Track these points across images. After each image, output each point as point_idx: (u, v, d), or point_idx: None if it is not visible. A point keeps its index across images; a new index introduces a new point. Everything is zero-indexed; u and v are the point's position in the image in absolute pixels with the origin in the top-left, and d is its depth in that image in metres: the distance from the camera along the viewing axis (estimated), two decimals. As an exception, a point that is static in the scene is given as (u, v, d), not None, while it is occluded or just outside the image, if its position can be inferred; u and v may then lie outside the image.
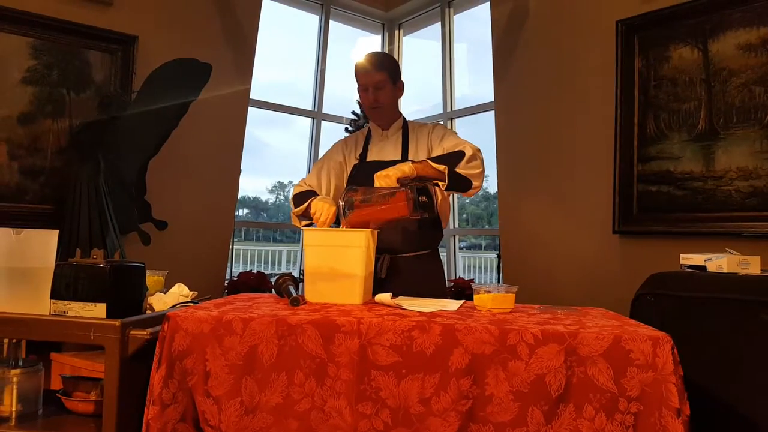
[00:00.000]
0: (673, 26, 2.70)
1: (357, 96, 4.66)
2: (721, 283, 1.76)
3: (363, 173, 1.99)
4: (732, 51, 2.50)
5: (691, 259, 1.95)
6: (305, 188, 2.07)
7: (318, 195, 2.00)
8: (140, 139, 3.03)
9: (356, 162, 2.11)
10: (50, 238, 1.38)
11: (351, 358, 1.20)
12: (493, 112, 3.79)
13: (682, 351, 1.15)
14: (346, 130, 4.47)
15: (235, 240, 4.11)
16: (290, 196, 2.08)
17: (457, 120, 4.60)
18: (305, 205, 1.95)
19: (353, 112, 4.46)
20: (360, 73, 2.05)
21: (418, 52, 5.05)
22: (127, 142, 3.00)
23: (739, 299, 1.65)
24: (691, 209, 2.61)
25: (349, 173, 2.10)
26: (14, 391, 1.37)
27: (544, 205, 3.35)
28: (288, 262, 6.27)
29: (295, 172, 5.15)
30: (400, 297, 1.63)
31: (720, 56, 2.54)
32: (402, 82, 2.12)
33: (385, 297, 1.51)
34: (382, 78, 2.02)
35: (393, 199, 1.62)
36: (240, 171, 3.93)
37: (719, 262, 1.85)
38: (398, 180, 1.68)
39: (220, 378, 1.23)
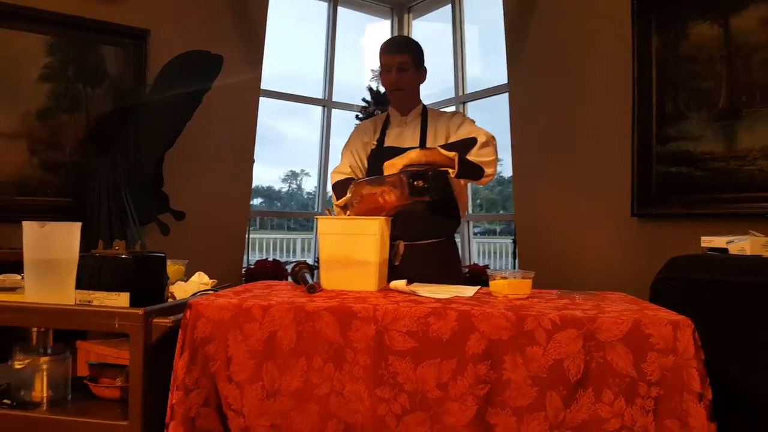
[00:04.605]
0: (692, 2, 2.64)
1: (367, 83, 4.61)
2: (744, 265, 1.73)
3: (379, 158, 1.98)
4: (754, 26, 2.43)
5: (712, 241, 1.93)
6: (344, 176, 2.05)
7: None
8: (156, 131, 3.06)
9: (374, 147, 2.10)
10: (73, 230, 1.40)
11: (368, 344, 1.21)
12: (506, 94, 3.76)
13: (703, 335, 1.14)
14: (357, 117, 4.46)
15: (250, 229, 4.15)
16: (330, 186, 2.06)
17: (469, 104, 4.57)
18: (346, 198, 1.93)
19: (364, 99, 4.45)
20: (384, 53, 2.05)
21: (428, 35, 5.01)
22: (143, 135, 3.03)
23: (763, 282, 1.62)
24: (712, 190, 2.57)
25: (367, 157, 2.09)
26: (45, 378, 1.40)
27: (560, 189, 3.32)
28: (303, 249, 6.30)
29: (308, 161, 5.16)
30: (415, 284, 1.63)
31: (741, 32, 2.48)
32: (425, 69, 2.11)
33: (400, 284, 1.52)
34: (405, 60, 2.02)
35: (388, 185, 1.62)
36: (253, 161, 3.95)
37: (742, 244, 1.83)
38: (404, 167, 1.66)
39: (241, 363, 1.25)
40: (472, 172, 1.77)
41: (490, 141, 1.82)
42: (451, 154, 1.70)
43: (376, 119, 2.20)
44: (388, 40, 2.09)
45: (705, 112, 2.60)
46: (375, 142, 2.10)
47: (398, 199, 1.61)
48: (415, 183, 1.58)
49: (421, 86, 2.13)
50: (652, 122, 2.79)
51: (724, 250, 1.87)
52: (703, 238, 1.97)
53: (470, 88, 4.56)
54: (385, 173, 1.68)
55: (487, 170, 1.78)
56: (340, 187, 1.98)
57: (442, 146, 1.76)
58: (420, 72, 2.09)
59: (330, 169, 4.86)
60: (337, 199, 1.95)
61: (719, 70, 2.55)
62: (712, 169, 2.57)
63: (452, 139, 1.96)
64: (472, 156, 1.75)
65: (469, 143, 1.78)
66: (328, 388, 1.22)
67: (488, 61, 4.68)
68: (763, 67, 2.41)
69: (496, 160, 1.83)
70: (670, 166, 2.73)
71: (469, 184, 2.21)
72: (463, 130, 1.95)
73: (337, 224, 1.62)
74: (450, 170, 1.72)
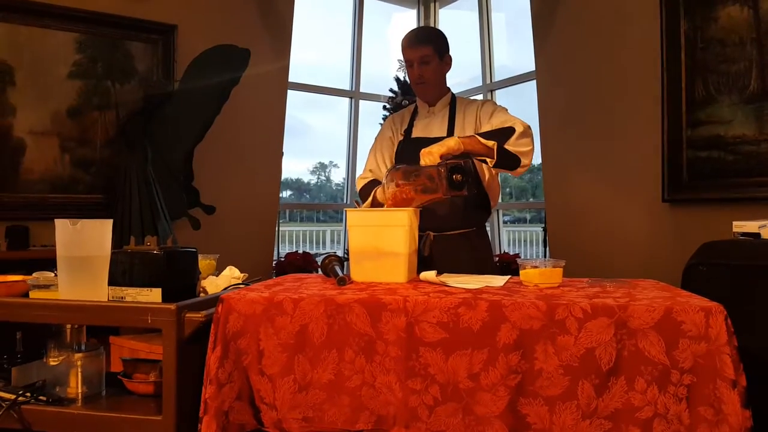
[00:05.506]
0: (721, -16, 2.57)
1: (394, 73, 4.59)
2: (777, 250, 1.69)
3: (408, 150, 1.97)
4: (787, 6, 2.37)
5: (744, 226, 1.89)
6: (368, 179, 2.08)
7: (380, 182, 2.00)
8: (185, 126, 3.10)
9: (401, 138, 2.10)
10: (105, 227, 1.42)
11: (399, 336, 1.22)
12: (534, 81, 3.71)
13: (736, 321, 1.12)
14: (385, 108, 4.45)
15: (279, 221, 4.19)
16: (357, 190, 2.10)
17: (497, 92, 4.53)
18: (370, 198, 1.95)
19: (391, 90, 4.44)
20: (405, 48, 2.03)
21: (454, 24, 4.97)
22: (173, 131, 3.07)
23: (798, 267, 1.58)
24: (743, 174, 2.51)
25: (395, 150, 2.10)
26: (79, 374, 1.42)
27: (590, 175, 3.28)
28: (332, 241, 6.34)
29: (336, 153, 5.18)
30: (444, 274, 1.63)
31: (773, 12, 2.41)
32: (449, 57, 2.07)
33: (430, 275, 1.52)
34: (427, 52, 1.99)
35: (425, 178, 1.58)
36: (282, 153, 3.98)
37: (775, 228, 1.78)
38: (442, 156, 1.63)
39: (273, 357, 1.26)
40: (509, 162, 1.74)
41: (527, 131, 1.78)
42: (490, 143, 1.68)
43: (404, 111, 2.19)
44: (408, 34, 2.06)
45: (735, 96, 2.53)
46: (402, 134, 2.10)
47: (434, 193, 1.57)
48: (454, 177, 1.53)
49: (448, 75, 2.10)
50: (682, 106, 2.73)
51: (757, 235, 1.83)
52: (735, 223, 1.93)
53: (498, 76, 4.52)
54: (422, 161, 1.65)
55: (524, 160, 1.75)
56: (365, 192, 2.02)
57: (479, 134, 1.74)
58: (444, 61, 2.05)
59: (359, 160, 4.88)
60: (363, 203, 1.97)
61: (749, 52, 2.48)
62: (743, 153, 2.51)
63: (484, 128, 1.93)
64: (510, 146, 1.72)
65: (507, 132, 1.74)
66: (360, 380, 1.23)
67: (515, 49, 4.62)
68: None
69: (533, 150, 1.79)
70: (700, 151, 2.67)
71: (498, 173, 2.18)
72: (496, 119, 1.91)
73: (366, 216, 1.62)
74: (488, 159, 1.70)
